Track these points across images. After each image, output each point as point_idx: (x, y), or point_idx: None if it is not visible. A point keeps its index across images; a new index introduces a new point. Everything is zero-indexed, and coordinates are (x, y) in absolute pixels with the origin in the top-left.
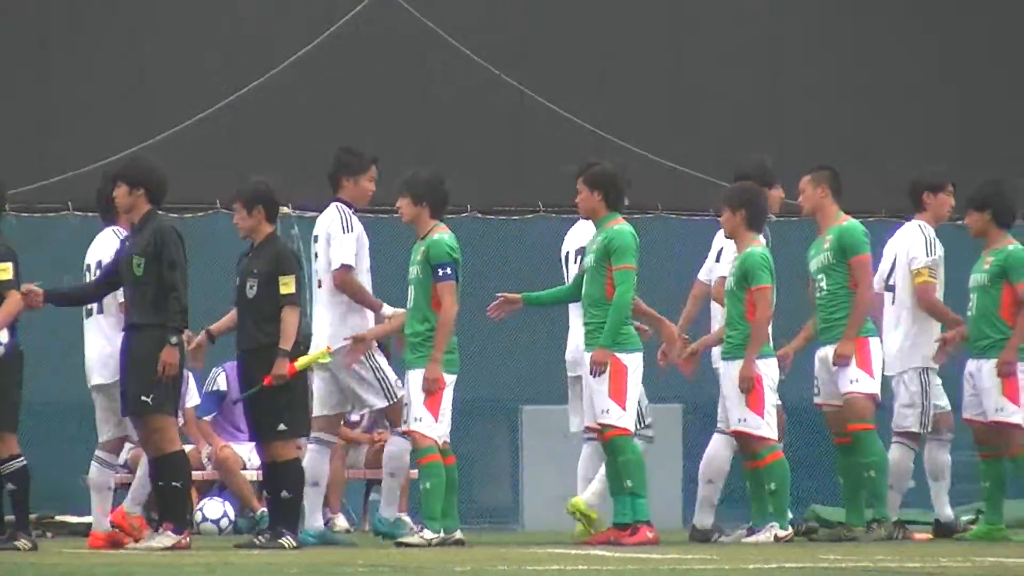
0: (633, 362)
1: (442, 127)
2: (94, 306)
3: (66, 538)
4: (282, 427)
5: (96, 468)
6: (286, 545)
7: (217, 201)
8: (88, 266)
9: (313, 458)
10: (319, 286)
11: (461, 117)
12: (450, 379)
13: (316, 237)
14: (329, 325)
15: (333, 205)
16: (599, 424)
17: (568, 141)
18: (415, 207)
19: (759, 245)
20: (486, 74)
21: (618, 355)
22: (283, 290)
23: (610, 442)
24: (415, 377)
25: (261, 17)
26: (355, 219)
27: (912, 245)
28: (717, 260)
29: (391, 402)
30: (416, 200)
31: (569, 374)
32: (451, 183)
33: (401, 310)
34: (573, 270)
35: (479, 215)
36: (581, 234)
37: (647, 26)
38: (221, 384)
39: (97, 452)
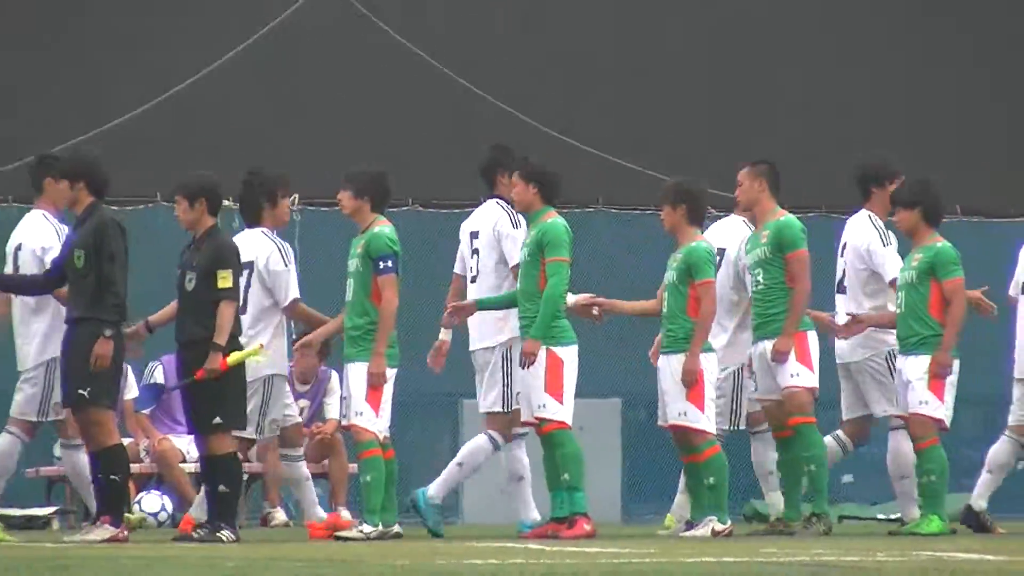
0: (569, 355)
1: (385, 121)
2: None
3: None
4: (218, 420)
5: (284, 465)
6: (224, 539)
7: (158, 194)
8: (9, 250)
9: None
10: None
11: (405, 111)
12: (390, 373)
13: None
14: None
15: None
16: (536, 418)
17: (512, 135)
18: (356, 200)
19: (703, 240)
20: (430, 69)
21: (554, 349)
22: (220, 284)
23: (548, 436)
24: (355, 371)
25: (203, 11)
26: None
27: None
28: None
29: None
30: (358, 193)
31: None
32: (394, 177)
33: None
34: (507, 245)
35: (420, 208)
36: (477, 218)
37: (595, 22)
38: (158, 377)
39: (280, 450)
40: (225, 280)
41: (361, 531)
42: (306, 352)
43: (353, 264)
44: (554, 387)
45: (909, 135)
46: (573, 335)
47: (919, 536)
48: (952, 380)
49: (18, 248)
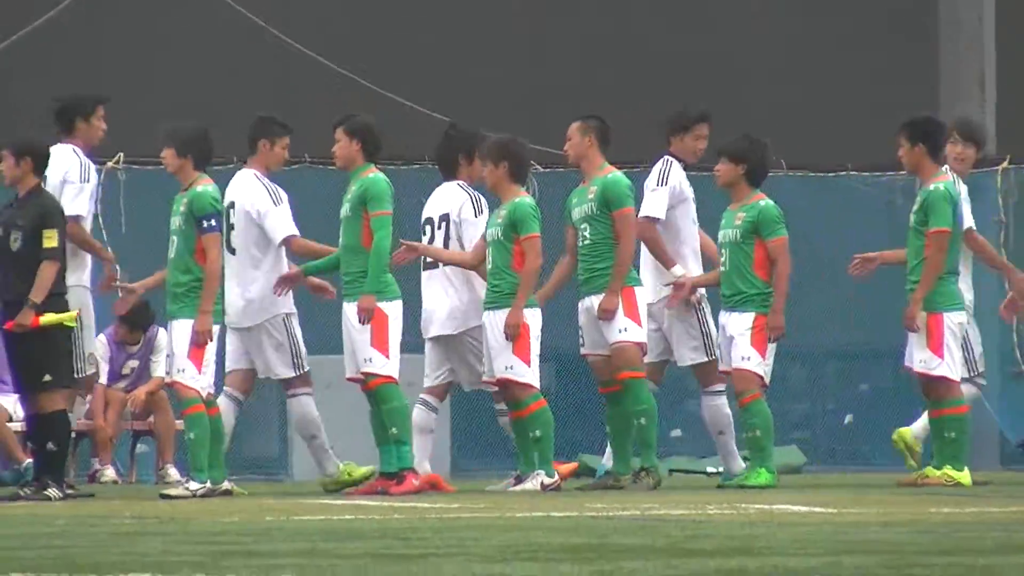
0: (394, 310)
1: (210, 79)
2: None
3: None
4: (47, 378)
5: (420, 411)
6: (52, 496)
7: None
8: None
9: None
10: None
11: (230, 71)
12: (215, 330)
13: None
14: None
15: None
16: (363, 373)
17: (334, 93)
18: (178, 159)
19: (525, 196)
20: (250, 25)
21: (379, 304)
22: (46, 244)
23: (375, 391)
24: (179, 328)
25: None
26: None
27: None
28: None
29: (298, 373)
30: (180, 152)
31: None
32: (219, 135)
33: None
34: (438, 236)
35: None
36: (443, 199)
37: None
38: None
39: (422, 395)
40: (50, 240)
41: (187, 488)
42: (128, 297)
43: (176, 222)
44: (380, 342)
45: (735, 88)
46: (397, 290)
47: (747, 488)
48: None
49: (231, 206)
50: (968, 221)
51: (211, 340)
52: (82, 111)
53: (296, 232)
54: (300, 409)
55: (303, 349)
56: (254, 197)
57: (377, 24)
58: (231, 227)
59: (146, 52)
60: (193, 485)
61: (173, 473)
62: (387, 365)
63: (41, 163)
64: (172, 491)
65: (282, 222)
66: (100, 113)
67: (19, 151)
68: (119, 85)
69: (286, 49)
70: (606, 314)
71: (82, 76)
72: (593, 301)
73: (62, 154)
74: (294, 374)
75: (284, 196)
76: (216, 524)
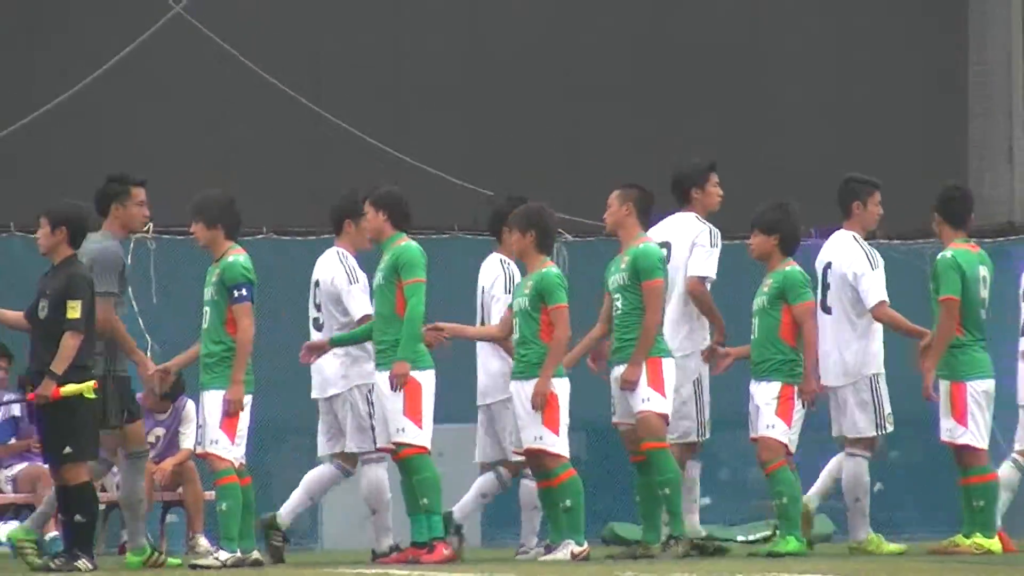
0: (427, 379)
1: (238, 148)
2: None
3: None
4: (68, 450)
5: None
6: (82, 568)
7: (12, 224)
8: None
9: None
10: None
11: (257, 139)
12: (246, 400)
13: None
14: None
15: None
16: (394, 443)
17: (361, 161)
18: (208, 231)
19: (552, 266)
20: (280, 95)
21: (412, 373)
22: (68, 314)
23: (406, 461)
24: (211, 398)
25: (59, 36)
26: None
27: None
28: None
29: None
30: (209, 224)
31: (478, 403)
32: (246, 204)
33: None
34: (495, 309)
35: (275, 236)
36: (483, 271)
37: (440, 44)
38: (15, 410)
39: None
40: (73, 311)
41: (217, 558)
42: (164, 378)
43: (208, 292)
44: (413, 411)
45: (772, 153)
46: (431, 359)
47: (776, 556)
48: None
49: (316, 284)
50: (880, 295)
51: (242, 409)
52: (117, 196)
53: (371, 311)
54: (374, 478)
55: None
56: (335, 273)
57: (406, 95)
58: (317, 305)
59: (176, 123)
60: (223, 555)
61: (203, 543)
62: (419, 435)
63: (77, 233)
64: (202, 561)
65: (360, 300)
66: (138, 198)
67: (55, 220)
68: (148, 154)
69: (319, 118)
70: (628, 384)
71: (112, 147)
72: (621, 371)
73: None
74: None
75: (361, 276)
76: None
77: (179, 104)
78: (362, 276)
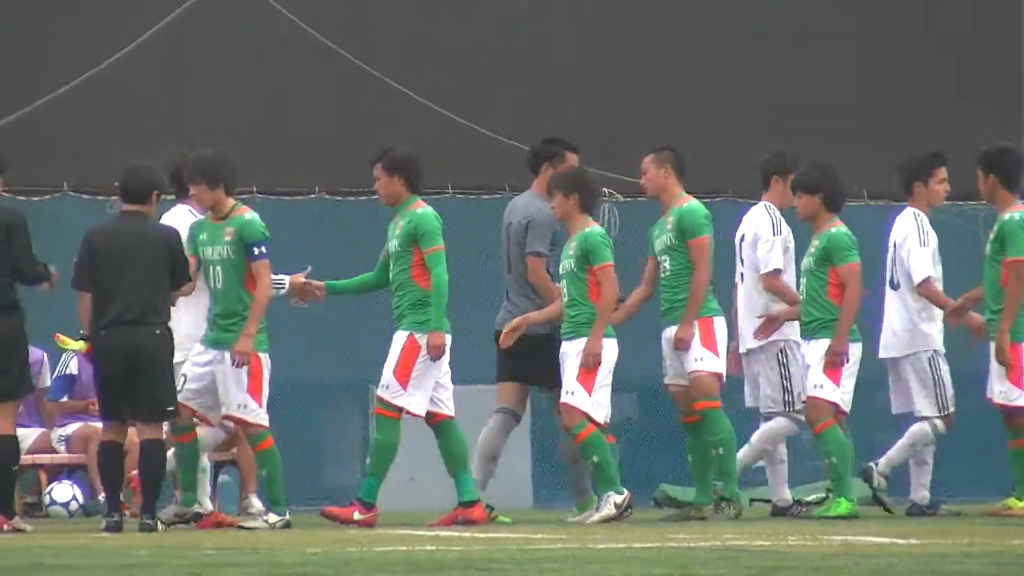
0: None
1: (290, 108)
2: None
3: None
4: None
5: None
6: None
7: (64, 184)
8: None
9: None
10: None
11: (311, 100)
12: (264, 358)
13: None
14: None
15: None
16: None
17: (413, 120)
18: (213, 191)
19: (595, 225)
20: (348, 65)
21: (419, 339)
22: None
23: (440, 424)
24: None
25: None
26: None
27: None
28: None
29: None
30: (213, 184)
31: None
32: (301, 166)
33: None
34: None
35: (327, 196)
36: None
37: (487, 3)
38: (72, 368)
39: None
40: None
41: (266, 520)
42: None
43: (218, 251)
44: (413, 380)
45: (816, 117)
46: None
47: (828, 519)
48: (853, 364)
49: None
50: (924, 272)
51: (247, 364)
52: (551, 157)
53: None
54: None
55: None
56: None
57: (456, 54)
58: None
59: (226, 82)
60: (272, 518)
61: (256, 503)
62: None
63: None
64: (250, 523)
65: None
66: (570, 161)
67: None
68: (202, 116)
69: (361, 72)
70: (681, 343)
71: (166, 107)
72: (673, 331)
73: (177, 216)
74: None
75: None
76: (299, 555)
77: (226, 67)
78: None
